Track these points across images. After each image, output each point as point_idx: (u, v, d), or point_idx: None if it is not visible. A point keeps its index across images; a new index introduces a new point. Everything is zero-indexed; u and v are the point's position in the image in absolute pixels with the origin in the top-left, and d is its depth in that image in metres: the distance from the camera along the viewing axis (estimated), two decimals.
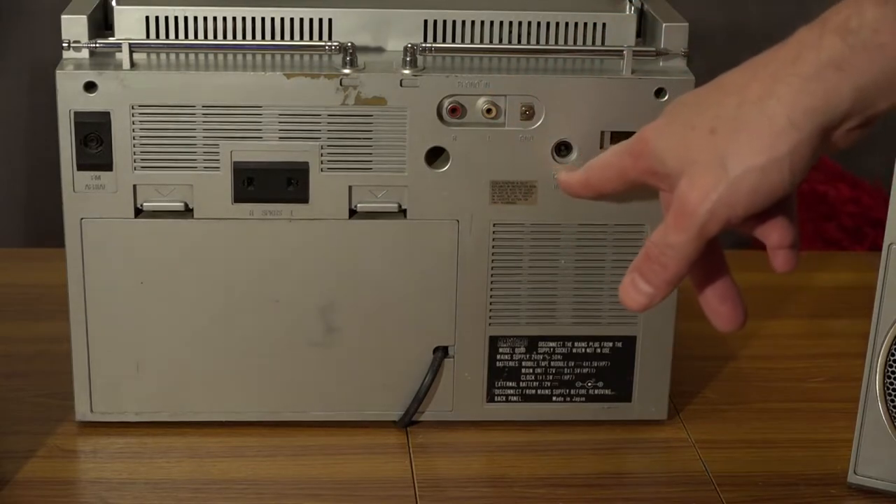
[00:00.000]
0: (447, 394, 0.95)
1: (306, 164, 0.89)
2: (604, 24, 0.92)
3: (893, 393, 0.87)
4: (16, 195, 1.65)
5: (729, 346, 1.08)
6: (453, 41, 0.92)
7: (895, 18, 0.66)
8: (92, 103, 0.87)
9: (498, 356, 0.95)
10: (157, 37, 0.90)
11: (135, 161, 0.89)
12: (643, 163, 0.73)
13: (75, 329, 0.92)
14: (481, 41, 0.92)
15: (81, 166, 0.88)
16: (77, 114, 0.87)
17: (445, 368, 0.95)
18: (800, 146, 0.68)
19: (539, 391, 0.96)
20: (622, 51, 0.89)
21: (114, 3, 0.90)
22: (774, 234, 0.73)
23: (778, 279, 1.21)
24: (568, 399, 0.96)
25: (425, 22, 0.91)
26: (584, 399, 0.96)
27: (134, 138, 0.88)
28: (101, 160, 0.88)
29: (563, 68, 0.91)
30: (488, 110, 0.89)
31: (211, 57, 0.90)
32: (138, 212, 0.90)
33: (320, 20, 0.91)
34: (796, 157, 0.68)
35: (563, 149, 0.90)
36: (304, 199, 0.90)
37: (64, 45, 0.88)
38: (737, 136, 0.69)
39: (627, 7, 0.93)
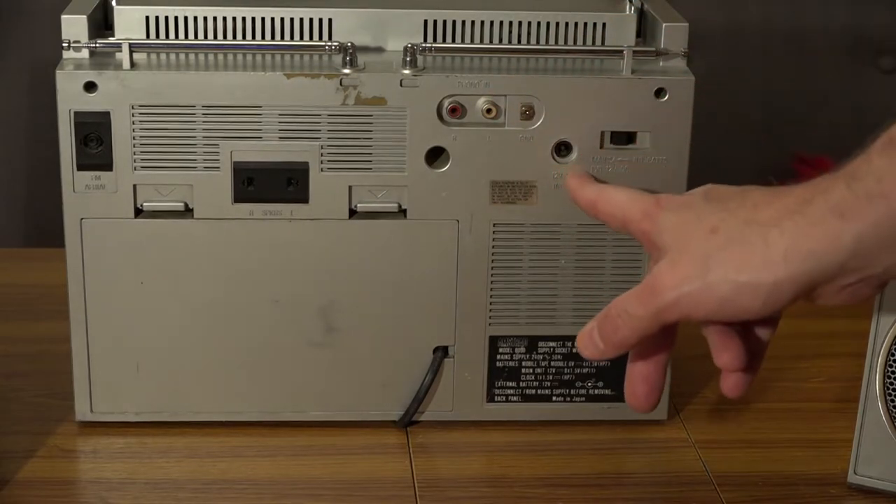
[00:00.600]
0: (447, 394, 0.95)
1: (306, 164, 0.89)
2: (604, 24, 0.92)
3: (893, 393, 0.87)
4: (16, 195, 1.64)
5: None
6: (453, 41, 0.92)
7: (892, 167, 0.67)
8: (92, 103, 0.87)
9: (498, 356, 0.95)
10: (157, 37, 0.90)
11: (135, 161, 0.89)
12: (646, 225, 0.75)
13: (75, 329, 0.92)
14: (481, 41, 0.92)
15: (81, 166, 0.88)
16: (77, 114, 0.87)
17: (445, 368, 0.95)
18: (784, 282, 0.69)
19: (539, 391, 0.96)
20: (622, 51, 0.89)
21: (114, 3, 0.90)
22: (725, 354, 0.75)
23: None
24: (568, 399, 0.96)
25: (425, 22, 0.91)
26: (584, 399, 0.96)
27: (134, 138, 0.88)
28: (101, 160, 0.88)
29: (563, 68, 0.91)
30: (488, 110, 0.89)
31: (211, 57, 0.90)
32: (138, 212, 0.90)
33: (320, 20, 0.91)
34: (776, 291, 0.69)
35: (563, 149, 0.90)
36: (304, 199, 0.90)
37: (64, 45, 0.88)
38: (731, 246, 0.70)
39: (627, 7, 0.93)
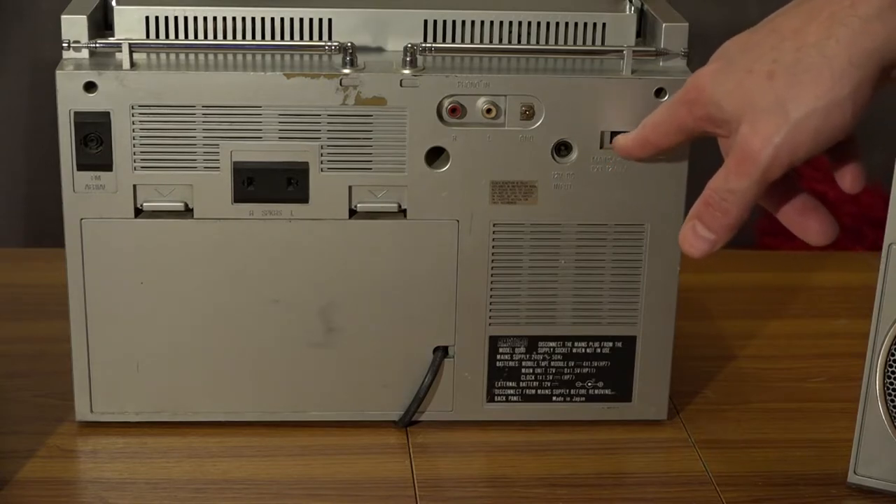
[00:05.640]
0: (447, 394, 0.95)
1: (306, 164, 0.89)
2: (604, 24, 0.92)
3: (893, 393, 0.87)
4: (16, 195, 1.65)
5: (729, 346, 1.08)
6: (453, 41, 0.92)
7: None
8: (92, 103, 0.87)
9: (498, 356, 0.95)
10: (157, 37, 0.90)
11: (135, 161, 0.89)
12: (700, 110, 0.73)
13: (75, 329, 0.92)
14: (481, 41, 0.92)
15: (81, 166, 0.88)
16: (77, 114, 0.87)
17: (445, 368, 0.95)
18: (861, 85, 0.68)
19: (539, 391, 0.96)
20: (622, 51, 0.89)
21: (114, 3, 0.90)
22: (847, 176, 0.75)
23: (778, 279, 1.21)
24: (568, 399, 0.96)
25: (425, 22, 0.91)
26: (584, 399, 0.96)
27: (134, 138, 0.88)
28: (101, 160, 0.88)
29: (563, 68, 0.91)
30: (488, 110, 0.89)
31: (211, 57, 0.90)
32: (138, 212, 0.90)
33: (320, 20, 0.91)
34: (858, 97, 0.68)
35: (563, 149, 0.90)
36: (304, 199, 0.90)
37: (64, 45, 0.88)
38: (797, 79, 0.68)
39: (627, 7, 0.93)
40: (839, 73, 0.68)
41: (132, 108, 0.88)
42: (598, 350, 0.95)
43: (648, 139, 0.80)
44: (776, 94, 0.69)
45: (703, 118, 0.73)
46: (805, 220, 0.77)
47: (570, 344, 0.95)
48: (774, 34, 0.71)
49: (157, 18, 0.90)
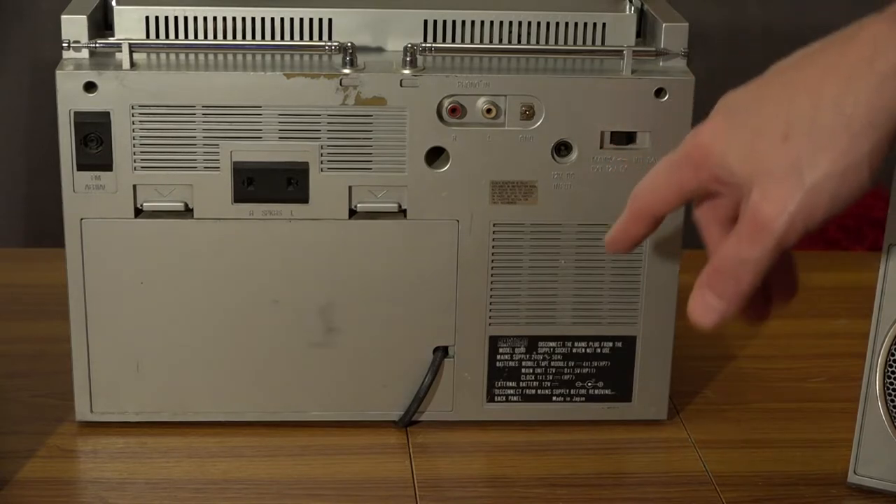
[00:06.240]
0: (447, 394, 0.95)
1: (306, 164, 0.89)
2: (604, 24, 0.92)
3: (893, 393, 0.87)
4: (16, 195, 1.65)
5: (729, 346, 1.08)
6: (453, 41, 0.92)
7: None
8: (92, 103, 0.87)
9: (498, 356, 0.95)
10: (157, 37, 0.90)
11: (135, 161, 0.89)
12: (706, 172, 0.69)
13: (75, 329, 0.92)
14: (481, 41, 0.92)
15: (81, 166, 0.88)
16: (77, 114, 0.87)
17: (445, 368, 0.95)
18: (879, 145, 0.65)
19: (539, 391, 0.96)
20: (622, 51, 0.89)
21: (114, 3, 0.90)
22: (785, 288, 0.73)
23: None
24: (568, 399, 0.96)
25: (425, 22, 0.91)
26: (584, 399, 0.96)
27: (134, 138, 0.88)
28: (101, 160, 0.88)
29: (563, 68, 0.91)
30: (488, 110, 0.89)
31: (211, 57, 0.90)
32: (138, 212, 0.90)
33: (320, 20, 0.91)
34: (874, 158, 0.65)
35: (563, 149, 0.90)
36: (304, 199, 0.90)
37: (64, 45, 0.88)
38: (813, 141, 0.65)
39: (627, 7, 0.93)
40: (858, 133, 0.64)
41: (132, 108, 0.88)
42: (598, 350, 0.95)
43: (644, 209, 0.73)
44: (790, 158, 0.65)
45: (710, 180, 0.69)
46: (781, 279, 0.74)
47: (570, 344, 0.95)
48: (787, 88, 0.67)
49: (157, 18, 0.90)
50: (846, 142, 0.65)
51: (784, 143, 0.66)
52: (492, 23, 0.92)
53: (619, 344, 0.95)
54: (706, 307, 0.70)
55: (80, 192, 0.89)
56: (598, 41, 0.92)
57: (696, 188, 0.70)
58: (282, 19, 0.91)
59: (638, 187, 0.73)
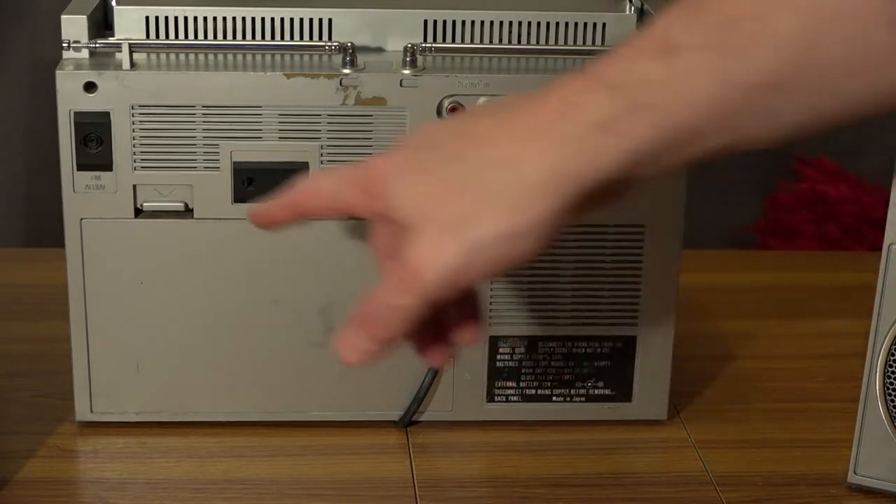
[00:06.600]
0: (447, 394, 0.95)
1: (306, 164, 0.89)
2: (604, 24, 0.92)
3: (893, 393, 0.87)
4: (16, 195, 1.65)
5: (729, 346, 1.08)
6: (453, 41, 0.92)
7: (671, 75, 0.60)
8: (92, 103, 0.87)
9: (498, 356, 0.95)
10: (157, 37, 0.90)
11: (135, 161, 0.89)
12: (377, 203, 0.65)
13: (75, 329, 0.92)
14: (481, 41, 0.92)
15: (81, 166, 0.88)
16: (77, 114, 0.87)
17: (445, 368, 0.95)
18: (552, 214, 0.61)
19: (539, 391, 0.96)
20: None
21: (114, 3, 0.90)
22: (470, 331, 0.69)
23: (778, 279, 1.21)
24: (568, 399, 0.96)
25: (425, 22, 0.91)
26: (584, 399, 0.96)
27: (134, 138, 0.88)
28: (101, 160, 0.88)
29: (563, 68, 0.91)
30: None
31: (211, 57, 0.90)
32: (138, 212, 0.90)
33: (320, 20, 0.91)
34: (546, 227, 0.62)
35: None
36: None
37: (64, 45, 0.88)
38: (483, 198, 0.61)
39: (627, 7, 0.93)
40: (531, 198, 0.60)
41: (132, 108, 0.88)
42: (598, 350, 0.95)
43: (300, 207, 0.70)
44: (458, 212, 0.61)
45: (378, 212, 0.65)
46: (461, 326, 0.70)
47: (570, 344, 0.95)
48: (469, 139, 0.63)
49: (157, 18, 0.90)
50: (516, 205, 0.61)
51: (456, 194, 0.62)
52: (492, 23, 0.92)
53: (619, 344, 0.95)
54: (354, 347, 0.67)
55: (80, 192, 0.89)
56: (598, 41, 0.92)
57: (361, 212, 0.67)
58: (282, 19, 0.91)
59: (307, 183, 0.70)
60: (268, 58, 0.90)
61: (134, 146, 0.88)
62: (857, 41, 0.59)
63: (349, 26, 0.91)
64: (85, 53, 0.89)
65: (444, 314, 0.69)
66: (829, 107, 0.61)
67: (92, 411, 0.94)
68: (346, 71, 0.88)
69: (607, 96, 0.60)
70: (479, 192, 0.61)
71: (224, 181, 0.89)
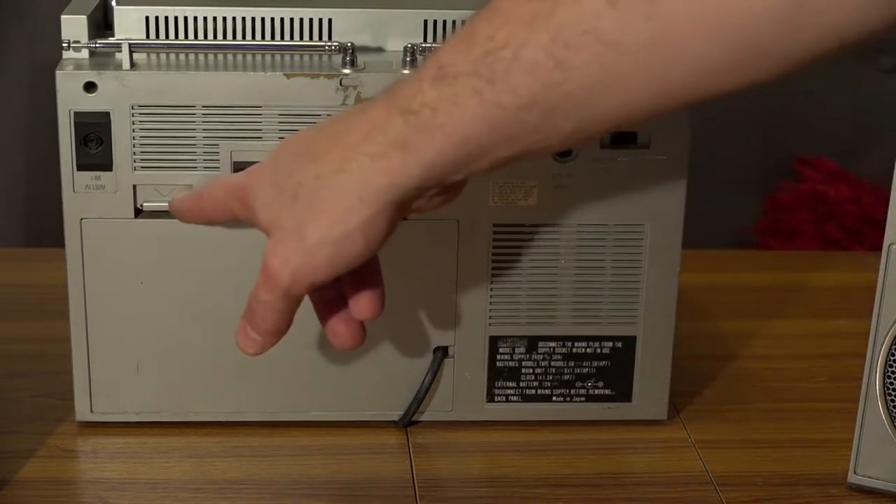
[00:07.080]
0: (447, 394, 0.95)
1: None
2: None
3: (893, 393, 0.87)
4: (16, 195, 1.65)
5: (729, 346, 1.08)
6: None
7: (451, 99, 0.69)
8: (92, 103, 0.87)
9: (498, 356, 0.95)
10: (157, 37, 0.90)
11: (135, 161, 0.89)
12: (247, 212, 0.76)
13: (75, 329, 0.92)
14: None
15: (81, 166, 0.88)
16: (77, 114, 0.87)
17: (445, 368, 0.95)
18: (371, 220, 0.71)
19: (539, 391, 0.96)
20: None
21: (114, 3, 0.90)
22: (362, 302, 0.78)
23: (778, 279, 1.21)
24: (568, 399, 0.96)
25: (425, 22, 0.91)
26: (584, 399, 0.96)
27: (134, 138, 0.88)
28: (101, 160, 0.88)
29: None
30: None
31: (211, 57, 0.90)
32: (138, 212, 0.90)
33: (320, 20, 0.91)
34: (368, 230, 0.71)
35: None
36: None
37: (64, 45, 0.88)
38: (313, 207, 0.71)
39: None
40: (348, 207, 0.71)
41: (132, 108, 0.88)
42: (598, 350, 0.95)
43: (204, 211, 0.82)
44: (296, 218, 0.72)
45: (249, 219, 0.76)
46: (339, 325, 0.80)
47: (570, 344, 0.95)
48: (302, 155, 0.73)
49: (157, 18, 0.90)
50: (339, 213, 0.71)
51: (293, 202, 0.72)
52: None
53: (619, 344, 0.95)
54: (246, 337, 0.78)
55: (80, 192, 0.89)
56: None
57: (245, 221, 0.77)
58: (282, 19, 0.91)
59: (205, 188, 0.81)
60: (268, 58, 0.90)
61: (134, 146, 0.88)
62: (600, 62, 0.66)
63: (349, 26, 0.91)
64: (85, 53, 0.89)
65: (344, 293, 0.78)
66: (600, 116, 0.69)
67: (92, 411, 0.94)
68: (346, 71, 0.88)
69: (402, 120, 0.70)
70: (309, 203, 0.71)
71: None
